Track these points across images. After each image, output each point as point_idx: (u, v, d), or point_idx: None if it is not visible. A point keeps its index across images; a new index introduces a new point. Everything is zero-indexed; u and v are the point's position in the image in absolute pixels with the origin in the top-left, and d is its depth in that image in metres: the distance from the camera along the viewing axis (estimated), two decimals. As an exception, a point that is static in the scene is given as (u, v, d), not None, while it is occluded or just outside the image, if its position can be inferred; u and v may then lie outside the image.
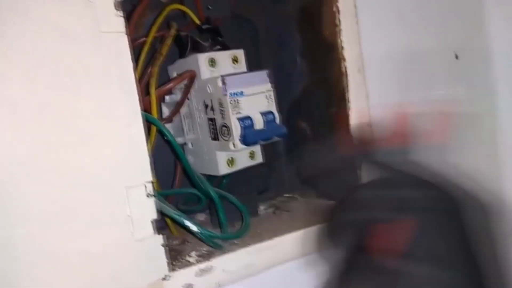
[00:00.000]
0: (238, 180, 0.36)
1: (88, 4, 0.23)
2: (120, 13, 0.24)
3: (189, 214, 0.36)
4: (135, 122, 0.24)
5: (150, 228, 0.25)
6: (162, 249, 0.25)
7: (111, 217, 0.23)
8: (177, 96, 0.36)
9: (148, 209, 0.25)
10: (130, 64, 0.24)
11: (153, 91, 0.29)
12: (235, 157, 0.34)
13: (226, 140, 0.32)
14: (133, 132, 0.24)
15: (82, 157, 0.23)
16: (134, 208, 0.24)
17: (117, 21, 0.24)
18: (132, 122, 0.24)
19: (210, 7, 0.35)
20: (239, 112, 0.32)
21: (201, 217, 0.38)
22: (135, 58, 0.31)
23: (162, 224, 0.33)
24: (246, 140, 0.32)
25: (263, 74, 0.33)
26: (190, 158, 0.37)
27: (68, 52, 0.22)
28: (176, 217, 0.26)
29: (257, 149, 0.35)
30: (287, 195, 0.43)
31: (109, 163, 0.23)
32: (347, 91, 0.35)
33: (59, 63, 0.22)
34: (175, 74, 0.35)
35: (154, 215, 0.25)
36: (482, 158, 0.46)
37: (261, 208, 0.39)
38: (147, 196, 0.25)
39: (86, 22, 0.23)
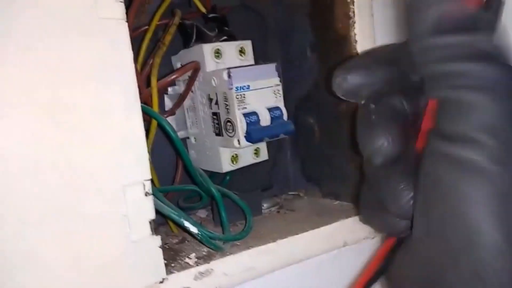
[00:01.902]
0: (241, 176, 0.35)
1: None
2: (120, -1, 0.22)
3: (190, 211, 0.35)
4: (133, 115, 0.23)
5: (147, 229, 0.24)
6: (160, 251, 0.24)
7: (107, 217, 0.22)
8: (180, 88, 0.34)
9: (146, 209, 0.24)
10: (129, 53, 0.23)
11: (154, 82, 0.28)
12: (239, 153, 0.33)
13: (230, 136, 0.31)
14: (131, 126, 0.23)
15: (76, 153, 0.21)
16: (131, 208, 0.23)
17: (117, 7, 0.22)
18: (130, 115, 0.23)
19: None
20: (245, 107, 0.30)
21: (202, 213, 0.37)
22: (137, 47, 0.29)
23: (161, 220, 0.32)
24: (251, 137, 0.30)
25: (271, 67, 0.32)
26: (193, 153, 0.35)
27: (62, 38, 0.21)
28: (175, 217, 0.25)
29: (262, 146, 0.34)
30: (292, 193, 0.41)
31: (105, 160, 0.22)
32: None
33: (52, 51, 0.20)
34: (179, 65, 0.33)
35: (152, 215, 0.24)
36: None
37: (265, 206, 0.37)
38: (145, 194, 0.23)
39: (83, 6, 0.21)
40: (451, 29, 0.15)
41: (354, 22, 0.33)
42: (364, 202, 0.21)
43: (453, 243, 0.15)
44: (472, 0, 0.15)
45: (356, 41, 0.33)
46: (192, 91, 0.33)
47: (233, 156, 0.33)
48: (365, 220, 0.22)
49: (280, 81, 0.32)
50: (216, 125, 0.32)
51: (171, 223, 0.32)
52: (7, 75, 0.20)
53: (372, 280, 0.19)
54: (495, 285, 0.14)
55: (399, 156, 0.18)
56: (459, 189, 0.15)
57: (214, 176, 0.34)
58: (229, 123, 0.31)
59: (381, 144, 0.18)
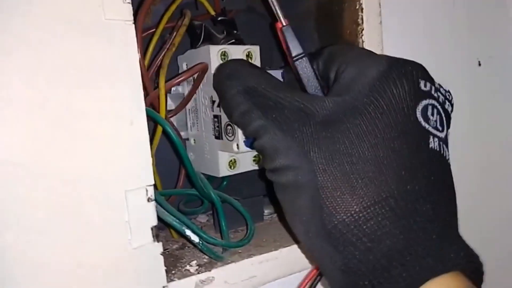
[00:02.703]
0: (241, 180, 0.35)
1: (93, -11, 0.20)
2: (128, 0, 0.22)
3: (191, 215, 0.35)
4: (138, 120, 0.22)
5: (149, 236, 0.23)
6: (161, 258, 0.24)
7: (108, 223, 0.22)
8: (183, 88, 0.34)
9: (148, 215, 0.23)
10: (136, 56, 0.22)
11: (162, 84, 0.27)
12: (238, 159, 0.32)
13: (229, 140, 0.30)
14: (136, 130, 0.22)
15: (79, 157, 0.21)
16: (133, 214, 0.22)
17: (124, 8, 0.22)
18: (135, 120, 0.22)
19: (224, -1, 0.33)
20: (248, 112, 0.30)
21: (203, 218, 0.36)
22: (144, 48, 0.29)
23: (159, 224, 0.31)
24: (250, 142, 0.30)
25: (277, 74, 0.31)
26: (191, 155, 0.35)
27: (68, 40, 0.20)
28: (177, 226, 0.24)
29: (264, 153, 0.33)
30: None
31: (108, 165, 0.21)
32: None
33: (58, 53, 0.20)
34: (184, 65, 0.33)
35: (153, 221, 0.23)
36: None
37: (266, 212, 0.37)
38: (148, 200, 0.23)
39: (89, 8, 0.20)
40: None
41: (362, 29, 0.33)
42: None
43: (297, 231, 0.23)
44: None
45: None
46: (194, 92, 0.32)
47: (231, 161, 0.32)
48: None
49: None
50: (217, 128, 0.32)
51: (171, 228, 0.32)
52: (13, 79, 0.19)
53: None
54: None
55: None
56: (290, 204, 0.22)
57: (212, 179, 0.33)
58: (229, 127, 0.30)
59: None
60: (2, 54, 0.19)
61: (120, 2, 0.21)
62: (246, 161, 0.33)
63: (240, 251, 0.29)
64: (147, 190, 0.23)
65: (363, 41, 0.33)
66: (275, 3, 0.26)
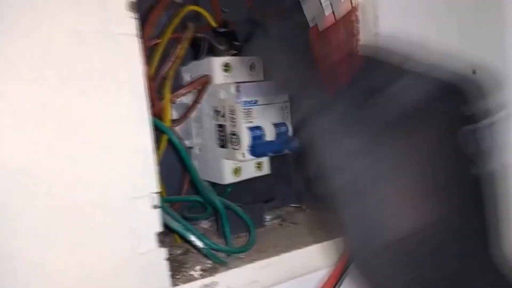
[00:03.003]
0: (243, 187, 0.35)
1: (100, 4, 0.21)
2: (133, 15, 0.23)
3: (194, 221, 0.35)
4: (143, 129, 0.23)
5: (154, 241, 0.24)
6: (165, 263, 0.24)
7: (115, 229, 0.22)
8: (187, 98, 0.35)
9: (153, 221, 0.24)
10: (140, 68, 0.23)
11: (168, 96, 0.28)
12: (241, 166, 0.33)
13: (234, 149, 0.31)
14: (141, 139, 0.23)
15: (87, 166, 0.21)
16: (139, 220, 0.23)
17: (130, 23, 0.23)
18: (140, 129, 0.23)
19: (225, 10, 0.34)
20: (251, 122, 0.31)
21: (205, 224, 0.37)
22: (148, 59, 0.30)
23: (164, 230, 0.32)
24: (255, 151, 0.31)
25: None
26: (195, 163, 0.35)
27: (76, 53, 0.21)
28: (182, 231, 0.25)
29: (265, 160, 0.34)
30: (294, 205, 0.41)
31: (115, 173, 0.22)
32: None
33: (66, 65, 0.21)
34: (188, 76, 0.34)
35: (158, 227, 0.24)
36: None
37: (267, 218, 0.38)
38: (153, 207, 0.24)
39: (97, 22, 0.21)
40: None
41: (358, 40, 0.34)
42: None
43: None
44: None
45: (361, 58, 0.34)
46: (198, 102, 0.33)
47: (235, 168, 0.33)
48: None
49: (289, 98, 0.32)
50: (221, 137, 0.32)
51: (175, 234, 0.32)
52: (21, 87, 0.20)
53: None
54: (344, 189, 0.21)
55: None
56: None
57: (216, 186, 0.34)
58: (234, 136, 0.31)
59: None
60: (10, 63, 0.20)
61: (127, 17, 0.22)
62: (250, 168, 0.33)
63: (242, 256, 0.29)
64: (151, 197, 0.24)
65: (359, 52, 0.34)
66: None
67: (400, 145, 0.20)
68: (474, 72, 0.45)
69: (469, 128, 0.21)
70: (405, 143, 0.20)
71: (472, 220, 0.20)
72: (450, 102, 0.21)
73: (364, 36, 0.34)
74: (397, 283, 0.20)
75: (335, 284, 0.27)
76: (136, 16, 0.23)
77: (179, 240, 0.33)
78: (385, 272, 0.20)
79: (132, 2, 0.22)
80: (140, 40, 0.23)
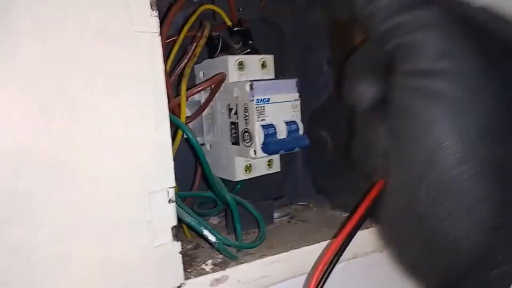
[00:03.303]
0: (252, 184, 0.36)
1: (124, 4, 0.22)
2: (155, 13, 0.23)
3: (204, 217, 0.36)
4: (163, 125, 0.24)
5: (169, 235, 0.24)
6: (179, 256, 0.25)
7: (133, 222, 0.23)
8: (199, 95, 0.35)
9: (169, 215, 0.24)
10: (161, 66, 0.24)
11: (184, 92, 0.29)
12: (253, 163, 0.34)
13: (247, 146, 0.32)
14: (160, 136, 0.24)
15: (108, 161, 0.22)
16: (155, 214, 0.24)
17: (152, 21, 0.23)
18: (159, 125, 0.24)
19: (240, 9, 0.34)
20: (264, 119, 0.31)
21: (214, 220, 0.38)
22: (165, 56, 0.30)
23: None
24: (268, 148, 0.31)
25: (292, 83, 0.32)
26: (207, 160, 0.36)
27: (102, 52, 0.22)
28: (195, 225, 0.26)
29: (275, 157, 0.35)
30: (302, 203, 0.42)
31: (134, 167, 0.23)
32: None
33: (93, 64, 0.21)
34: (201, 74, 0.34)
35: (174, 221, 0.25)
36: None
37: (276, 215, 0.38)
38: (169, 201, 0.24)
39: (120, 21, 0.22)
40: None
41: (373, 41, 0.34)
42: (354, 149, 0.22)
43: (418, 161, 0.17)
44: None
45: (373, 59, 0.34)
46: (212, 100, 0.34)
47: (247, 165, 0.34)
48: (354, 166, 0.23)
49: (299, 97, 0.33)
50: (234, 134, 0.33)
51: (185, 229, 0.33)
52: (52, 86, 0.20)
53: (363, 219, 0.22)
54: (459, 190, 0.16)
55: (382, 100, 0.20)
56: (425, 112, 0.17)
57: (226, 182, 0.34)
58: (246, 133, 0.32)
59: (363, 89, 0.20)
60: (42, 62, 0.20)
61: (148, 15, 0.23)
62: (261, 166, 0.34)
63: (252, 252, 0.30)
64: (168, 192, 0.24)
65: (373, 52, 0.34)
66: None
67: None
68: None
69: None
70: None
71: None
72: None
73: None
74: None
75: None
76: (157, 14, 0.23)
77: (189, 235, 0.33)
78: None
79: (155, 0, 0.23)
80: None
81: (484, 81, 0.16)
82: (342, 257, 0.32)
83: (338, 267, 0.33)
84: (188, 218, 0.26)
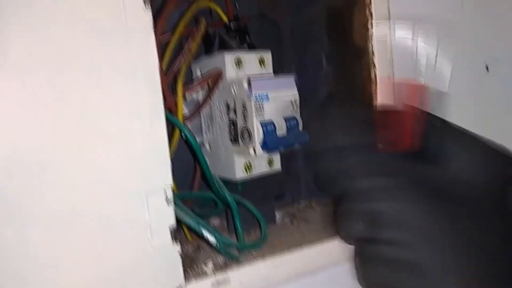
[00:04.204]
0: (253, 184, 0.35)
1: (117, -2, 0.21)
2: (148, 8, 0.22)
3: (205, 218, 0.35)
4: (158, 122, 0.23)
5: (168, 236, 0.24)
6: (179, 257, 0.24)
7: (130, 222, 0.22)
8: (198, 94, 0.34)
9: (167, 216, 0.24)
10: (156, 62, 0.23)
11: (180, 90, 0.28)
12: (253, 162, 0.33)
13: (246, 144, 0.31)
14: (155, 133, 0.23)
15: (103, 159, 0.21)
16: (153, 214, 0.23)
17: (145, 16, 0.22)
18: (154, 122, 0.23)
19: (237, 5, 0.34)
20: (262, 116, 0.30)
21: (216, 221, 0.37)
22: (161, 53, 0.30)
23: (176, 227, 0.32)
24: (267, 145, 0.30)
25: (290, 79, 0.32)
26: (206, 160, 0.35)
27: (94, 47, 0.21)
28: (196, 226, 0.25)
29: (276, 157, 0.34)
30: (304, 202, 0.41)
31: (130, 165, 0.22)
32: (375, 98, 0.33)
33: (84, 59, 0.21)
34: (198, 71, 0.34)
35: (172, 221, 0.24)
36: None
37: (277, 215, 0.37)
38: (167, 201, 0.24)
39: (112, 16, 0.21)
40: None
41: (372, 34, 0.34)
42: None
43: None
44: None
45: (373, 53, 0.34)
46: (210, 98, 0.33)
47: (247, 164, 0.33)
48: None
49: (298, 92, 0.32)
50: (233, 133, 0.32)
51: (186, 230, 0.32)
52: (41, 80, 0.20)
53: None
54: None
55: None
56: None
57: (226, 183, 0.34)
58: (245, 131, 0.31)
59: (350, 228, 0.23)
60: (30, 55, 0.20)
61: (141, 10, 0.22)
62: (261, 165, 0.33)
63: (254, 252, 0.29)
64: (165, 190, 0.24)
65: (372, 46, 0.34)
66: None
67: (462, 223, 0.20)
68: (487, 69, 0.45)
69: None
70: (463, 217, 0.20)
71: None
72: (498, 166, 0.21)
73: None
74: None
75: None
76: (150, 9, 0.23)
77: (190, 237, 0.33)
78: None
79: (147, -6, 0.22)
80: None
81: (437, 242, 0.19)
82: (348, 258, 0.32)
83: (345, 267, 0.32)
84: (187, 219, 0.25)
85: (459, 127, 0.24)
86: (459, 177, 0.21)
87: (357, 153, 0.21)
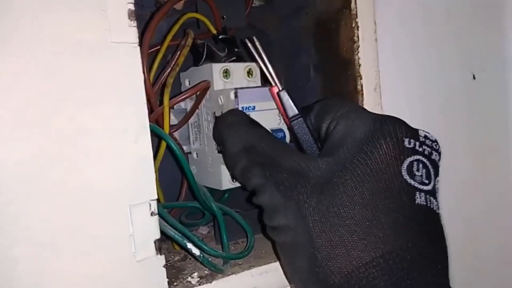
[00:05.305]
0: (241, 191, 0.35)
1: (100, 13, 0.21)
2: (134, 23, 0.23)
3: (192, 227, 0.35)
4: (143, 137, 0.23)
5: (152, 249, 0.24)
6: (163, 270, 0.24)
7: (113, 237, 0.22)
8: (185, 103, 0.35)
9: (151, 229, 0.24)
10: (140, 77, 0.23)
11: (167, 102, 0.28)
12: (239, 172, 0.33)
13: (232, 155, 0.31)
14: (140, 147, 0.23)
15: (86, 174, 0.22)
16: (137, 228, 0.23)
17: (130, 31, 0.23)
18: (139, 137, 0.23)
19: (224, 16, 0.34)
20: (250, 127, 0.31)
21: (204, 230, 0.37)
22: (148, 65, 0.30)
23: (162, 237, 0.32)
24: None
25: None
26: (193, 169, 0.36)
27: (78, 63, 0.21)
28: (179, 239, 0.25)
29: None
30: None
31: (114, 181, 0.22)
32: (362, 110, 0.34)
33: (68, 75, 0.21)
34: (187, 82, 0.34)
35: (157, 234, 0.24)
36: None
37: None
38: (151, 214, 0.24)
39: (96, 32, 0.22)
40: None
41: (358, 46, 0.34)
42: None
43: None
44: None
45: (359, 65, 0.34)
46: (197, 108, 0.33)
47: (233, 175, 0.33)
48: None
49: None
50: (220, 143, 0.32)
51: (172, 240, 0.32)
52: (25, 97, 0.20)
53: None
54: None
55: None
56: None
57: (213, 192, 0.34)
58: (233, 142, 0.31)
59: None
60: (14, 73, 0.20)
61: (126, 25, 0.22)
62: (247, 174, 0.33)
63: (240, 262, 0.29)
64: (150, 205, 0.24)
65: (359, 58, 0.34)
66: (271, 71, 0.28)
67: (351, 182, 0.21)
68: (474, 77, 0.45)
69: (412, 160, 0.22)
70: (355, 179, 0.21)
71: (427, 251, 0.21)
72: (392, 137, 0.22)
73: (364, 43, 0.34)
74: None
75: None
76: (136, 24, 0.23)
77: (177, 247, 0.33)
78: None
79: (132, 10, 0.23)
80: (140, 48, 0.23)
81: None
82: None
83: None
84: (171, 231, 0.25)
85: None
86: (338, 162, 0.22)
87: (244, 156, 0.25)
